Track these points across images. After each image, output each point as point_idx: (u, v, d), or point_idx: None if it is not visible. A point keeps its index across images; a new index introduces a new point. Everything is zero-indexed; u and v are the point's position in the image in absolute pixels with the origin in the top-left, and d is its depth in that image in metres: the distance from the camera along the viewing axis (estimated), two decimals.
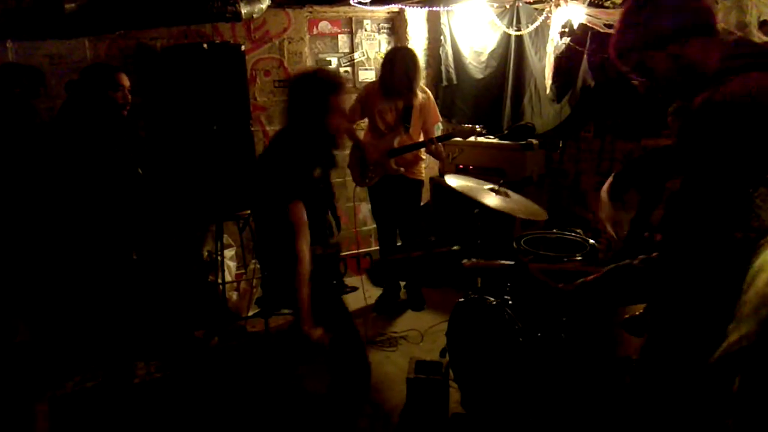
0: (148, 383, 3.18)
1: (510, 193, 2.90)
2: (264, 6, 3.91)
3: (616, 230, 1.86)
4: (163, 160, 3.60)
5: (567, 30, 3.89)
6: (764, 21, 3.01)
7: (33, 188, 2.90)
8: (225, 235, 4.03)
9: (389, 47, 4.96)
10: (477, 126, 3.83)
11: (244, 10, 3.74)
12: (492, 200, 2.75)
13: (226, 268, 4.00)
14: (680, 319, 1.39)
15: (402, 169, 3.95)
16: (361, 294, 4.26)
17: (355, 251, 4.95)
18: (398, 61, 3.78)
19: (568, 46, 3.97)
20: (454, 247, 1.76)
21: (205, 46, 3.83)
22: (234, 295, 4.17)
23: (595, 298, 1.53)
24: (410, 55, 3.82)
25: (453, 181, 2.88)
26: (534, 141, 4.25)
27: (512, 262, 1.78)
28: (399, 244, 4.31)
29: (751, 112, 1.26)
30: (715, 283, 1.30)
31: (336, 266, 2.88)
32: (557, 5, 3.94)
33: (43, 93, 3.62)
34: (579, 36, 3.91)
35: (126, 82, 3.11)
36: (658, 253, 1.40)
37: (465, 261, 1.70)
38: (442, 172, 4.76)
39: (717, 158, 1.29)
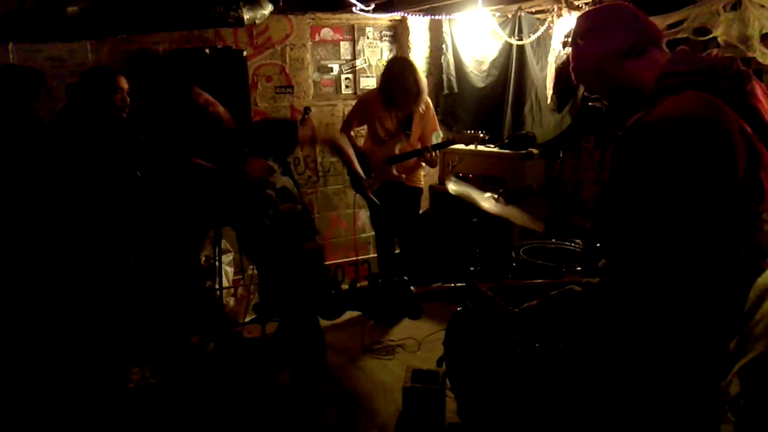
0: (142, 388, 3.16)
1: (508, 204, 2.90)
2: (266, 12, 3.92)
3: None
4: (162, 164, 3.60)
5: (569, 40, 3.89)
6: (766, 34, 3.01)
7: (30, 189, 2.89)
8: (223, 241, 4.02)
9: (391, 55, 4.98)
10: (480, 132, 3.82)
11: (246, 15, 3.75)
12: (491, 206, 2.74)
13: (223, 274, 3.98)
14: (643, 338, 1.35)
15: (403, 175, 3.95)
16: None
17: (354, 258, 4.94)
18: (396, 75, 3.77)
19: (569, 56, 3.97)
20: (404, 278, 1.74)
21: (207, 51, 3.84)
22: (231, 301, 4.16)
23: (539, 321, 1.54)
24: (409, 68, 3.79)
25: (453, 186, 2.88)
26: (534, 150, 4.24)
27: (463, 284, 1.78)
28: (397, 251, 4.29)
29: (680, 133, 1.22)
30: (687, 299, 1.27)
31: (308, 228, 3.04)
32: (559, 15, 3.95)
33: (44, 95, 3.62)
34: None
35: (125, 84, 3.11)
36: (600, 277, 1.39)
37: (413, 288, 1.68)
38: (442, 180, 4.76)
39: (643, 181, 1.25)
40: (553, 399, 2.43)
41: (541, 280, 1.92)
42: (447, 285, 1.91)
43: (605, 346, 1.47)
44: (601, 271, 1.39)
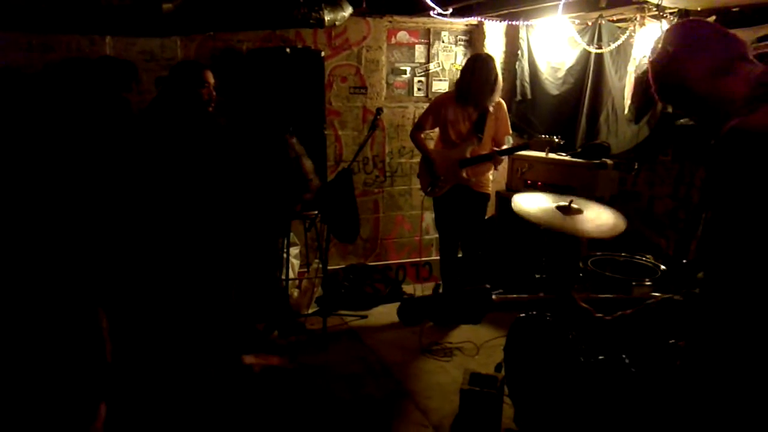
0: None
1: (585, 206, 2.85)
2: (346, 14, 4.03)
3: None
4: (240, 157, 3.75)
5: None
6: None
7: (119, 175, 3.09)
8: (291, 234, 4.14)
9: (464, 59, 4.98)
10: (555, 137, 3.77)
11: (327, 17, 3.87)
12: (565, 223, 2.71)
13: (290, 266, 4.11)
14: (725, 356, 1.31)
15: (473, 179, 3.96)
16: None
17: (417, 259, 4.97)
18: (479, 69, 3.82)
19: (651, 65, 3.86)
20: (486, 285, 1.70)
21: (287, 50, 3.97)
22: (295, 293, 4.28)
23: (634, 330, 1.51)
24: (491, 64, 3.85)
25: (522, 204, 2.87)
26: (608, 161, 4.15)
27: (550, 295, 1.76)
28: (459, 255, 4.29)
29: None
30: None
31: None
32: (642, 24, 3.85)
33: (135, 87, 3.86)
34: None
35: (211, 79, 3.26)
36: (699, 289, 1.35)
37: (494, 296, 1.65)
38: (510, 186, 4.72)
39: (742, 188, 1.23)
40: (616, 413, 2.38)
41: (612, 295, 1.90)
42: (531, 295, 1.91)
43: (691, 360, 1.42)
44: (700, 283, 1.36)
